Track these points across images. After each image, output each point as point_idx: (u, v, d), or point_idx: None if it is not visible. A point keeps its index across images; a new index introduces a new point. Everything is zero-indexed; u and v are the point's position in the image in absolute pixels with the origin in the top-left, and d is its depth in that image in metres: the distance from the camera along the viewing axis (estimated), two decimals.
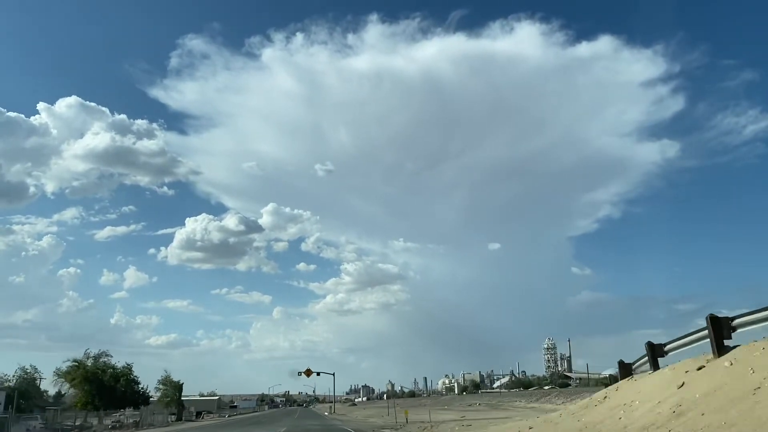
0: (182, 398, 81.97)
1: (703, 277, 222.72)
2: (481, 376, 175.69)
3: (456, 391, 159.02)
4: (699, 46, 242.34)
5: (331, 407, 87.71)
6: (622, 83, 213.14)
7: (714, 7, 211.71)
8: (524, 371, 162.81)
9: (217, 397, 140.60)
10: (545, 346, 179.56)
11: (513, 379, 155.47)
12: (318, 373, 79.42)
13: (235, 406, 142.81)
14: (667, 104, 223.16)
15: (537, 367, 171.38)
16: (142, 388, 67.32)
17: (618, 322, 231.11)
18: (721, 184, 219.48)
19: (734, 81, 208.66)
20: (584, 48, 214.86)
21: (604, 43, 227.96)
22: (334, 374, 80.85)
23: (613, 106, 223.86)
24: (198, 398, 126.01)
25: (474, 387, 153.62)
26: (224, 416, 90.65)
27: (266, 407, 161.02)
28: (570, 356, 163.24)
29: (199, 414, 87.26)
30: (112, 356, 66.82)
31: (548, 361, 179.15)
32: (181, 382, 69.63)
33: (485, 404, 75.19)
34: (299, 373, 76.19)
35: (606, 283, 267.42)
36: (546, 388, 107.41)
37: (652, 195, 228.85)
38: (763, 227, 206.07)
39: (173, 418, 67.45)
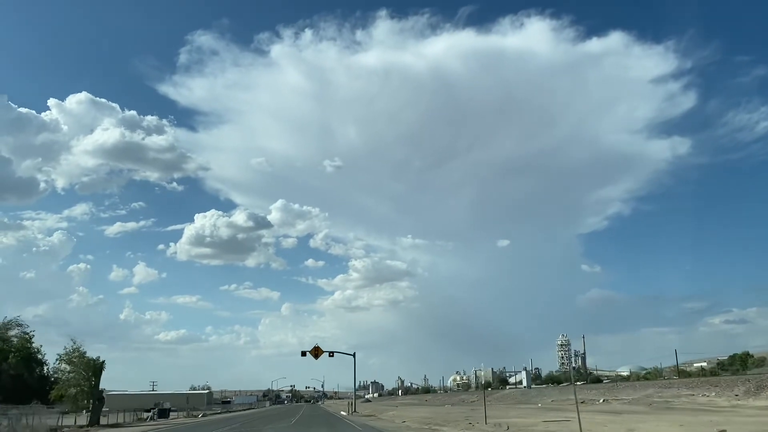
0: (158, 392, 57.68)
1: (713, 276, 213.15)
2: (494, 372, 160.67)
3: (474, 387, 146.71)
4: (711, 42, 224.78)
5: (349, 404, 62.31)
6: (632, 79, 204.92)
7: (727, 3, 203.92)
8: (537, 368, 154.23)
9: (206, 391, 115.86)
10: (559, 342, 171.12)
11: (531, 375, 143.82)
12: (331, 353, 56.16)
13: (228, 402, 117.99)
14: (678, 101, 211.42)
15: (549, 365, 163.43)
16: (50, 372, 41.90)
17: (627, 320, 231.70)
18: (733, 181, 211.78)
19: (747, 77, 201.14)
20: (595, 44, 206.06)
21: (615, 39, 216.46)
22: (354, 354, 57.44)
23: (624, 103, 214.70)
24: (180, 393, 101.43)
25: (500, 383, 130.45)
26: (197, 416, 65.67)
27: (267, 404, 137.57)
28: (584, 353, 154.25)
29: (163, 413, 61.65)
30: (29, 327, 41.86)
31: (562, 357, 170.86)
32: (100, 361, 41.73)
33: (560, 399, 56.35)
34: (304, 353, 53.03)
35: (616, 281, 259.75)
36: (579, 383, 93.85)
37: (663, 193, 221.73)
38: None
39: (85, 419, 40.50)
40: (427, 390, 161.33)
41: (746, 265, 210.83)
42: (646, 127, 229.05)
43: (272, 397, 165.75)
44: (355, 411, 55.31)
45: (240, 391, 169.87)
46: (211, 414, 77.26)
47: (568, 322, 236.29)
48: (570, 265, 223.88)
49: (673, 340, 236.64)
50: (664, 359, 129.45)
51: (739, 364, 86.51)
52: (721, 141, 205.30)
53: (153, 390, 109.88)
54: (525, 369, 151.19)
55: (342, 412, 60.19)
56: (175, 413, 68.84)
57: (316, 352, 54.92)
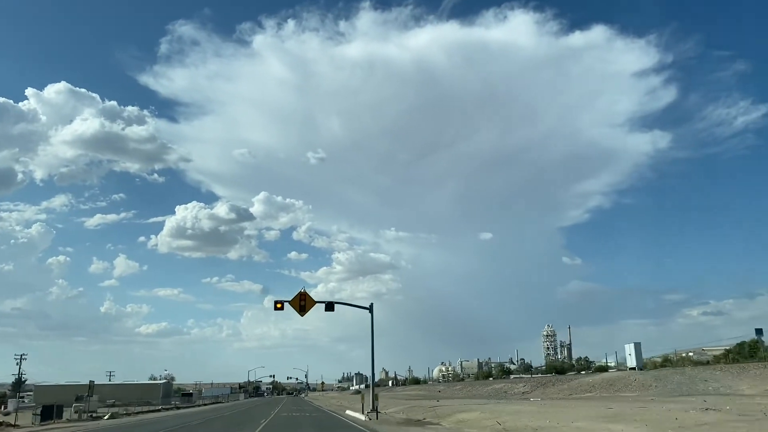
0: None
1: (692, 268, 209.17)
2: (480, 363, 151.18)
3: (476, 377, 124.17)
4: (692, 36, 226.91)
5: (363, 399, 37.25)
6: (614, 73, 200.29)
7: None
8: (523, 359, 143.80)
9: (162, 382, 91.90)
10: (545, 333, 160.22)
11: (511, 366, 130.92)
12: (331, 307, 33.24)
13: (190, 395, 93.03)
14: (659, 95, 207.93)
15: (534, 355, 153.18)
16: None
17: (607, 312, 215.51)
18: (711, 175, 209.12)
19: (726, 72, 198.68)
20: (577, 37, 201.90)
21: (598, 32, 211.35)
22: (371, 307, 34.23)
23: (606, 97, 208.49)
24: (128, 383, 77.02)
25: (502, 372, 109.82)
26: (103, 416, 41.39)
27: (241, 396, 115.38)
28: (570, 344, 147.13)
29: (48, 412, 37.47)
30: None
31: (548, 348, 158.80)
32: None
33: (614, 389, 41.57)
34: (279, 304, 29.74)
35: (596, 273, 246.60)
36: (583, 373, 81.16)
37: (643, 186, 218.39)
38: (751, 219, 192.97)
39: None
40: (417, 381, 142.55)
41: (724, 258, 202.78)
42: (627, 121, 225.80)
43: (249, 389, 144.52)
44: (375, 411, 32.22)
45: (216, 383, 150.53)
46: (147, 412, 52.95)
47: (550, 314, 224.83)
48: (551, 257, 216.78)
49: (653, 331, 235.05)
50: (645, 351, 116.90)
51: (748, 352, 67.67)
52: (701, 135, 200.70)
53: (110, 381, 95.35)
54: (510, 360, 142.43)
55: (351, 413, 37.13)
56: (77, 412, 43.73)
57: (302, 300, 31.65)
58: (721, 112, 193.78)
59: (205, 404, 77.70)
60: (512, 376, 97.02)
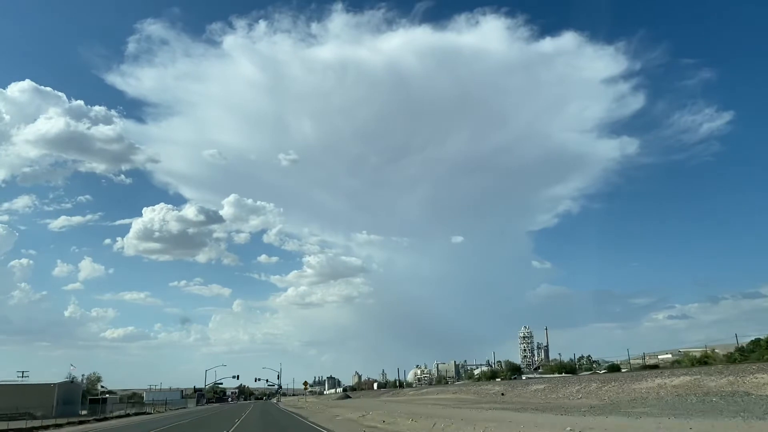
0: None
1: (659, 272, 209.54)
2: (456, 366, 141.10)
3: (436, 381, 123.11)
4: (660, 44, 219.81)
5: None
6: (584, 80, 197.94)
7: (675, 6, 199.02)
8: (500, 361, 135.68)
9: (62, 382, 65.19)
10: (521, 335, 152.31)
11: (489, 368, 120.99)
12: None
13: (102, 400, 65.81)
14: (627, 101, 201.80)
15: (509, 357, 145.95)
16: None
17: (575, 316, 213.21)
18: (677, 181, 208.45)
19: (692, 80, 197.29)
20: (548, 44, 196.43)
21: (568, 39, 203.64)
22: None
23: (575, 103, 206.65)
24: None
25: (490, 376, 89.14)
26: None
27: (192, 403, 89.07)
28: (547, 345, 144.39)
29: None
30: None
31: (524, 350, 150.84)
32: None
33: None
34: None
35: (565, 277, 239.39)
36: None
37: (611, 191, 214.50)
38: (715, 224, 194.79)
39: None
40: (400, 384, 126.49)
41: (689, 262, 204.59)
42: (596, 127, 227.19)
43: (205, 393, 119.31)
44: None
45: (173, 388, 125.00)
46: None
47: (520, 317, 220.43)
48: (521, 261, 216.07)
49: (619, 335, 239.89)
50: (611, 354, 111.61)
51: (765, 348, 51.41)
52: (668, 142, 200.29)
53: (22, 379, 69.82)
54: (487, 362, 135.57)
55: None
56: None
57: None
58: (687, 119, 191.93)
59: (122, 415, 52.27)
60: (525, 377, 76.98)
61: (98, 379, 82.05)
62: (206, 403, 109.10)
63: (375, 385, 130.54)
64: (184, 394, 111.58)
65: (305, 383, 75.58)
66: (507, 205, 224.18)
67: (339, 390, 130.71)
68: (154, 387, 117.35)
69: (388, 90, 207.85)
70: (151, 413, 64.30)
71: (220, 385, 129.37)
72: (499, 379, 77.24)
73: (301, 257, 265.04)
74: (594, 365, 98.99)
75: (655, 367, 70.95)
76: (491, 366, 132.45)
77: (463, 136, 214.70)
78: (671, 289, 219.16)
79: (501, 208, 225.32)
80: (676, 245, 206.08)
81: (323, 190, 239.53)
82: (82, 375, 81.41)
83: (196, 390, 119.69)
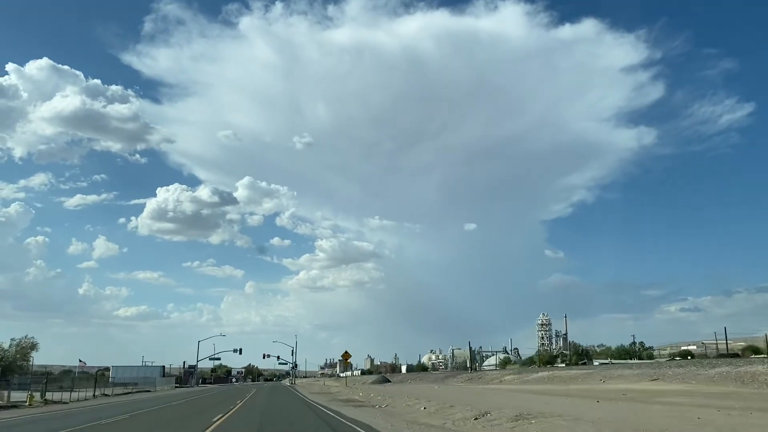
0: None
1: (672, 264, 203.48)
2: (472, 351, 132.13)
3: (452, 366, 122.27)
4: (681, 33, 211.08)
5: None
6: (603, 68, 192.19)
7: None
8: (516, 348, 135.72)
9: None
10: (540, 322, 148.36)
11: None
12: None
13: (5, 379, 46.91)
14: (646, 91, 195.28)
15: (524, 345, 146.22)
16: None
17: (587, 306, 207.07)
18: (694, 172, 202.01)
19: (713, 70, 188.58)
20: (567, 30, 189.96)
21: (588, 26, 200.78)
22: None
23: (593, 91, 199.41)
24: None
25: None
26: None
27: (168, 386, 76.10)
28: (566, 333, 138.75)
29: None
30: None
31: (542, 338, 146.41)
32: None
33: None
34: None
35: (577, 267, 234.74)
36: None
37: (627, 182, 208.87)
38: (731, 217, 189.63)
39: None
40: (424, 368, 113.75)
41: (703, 255, 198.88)
42: (614, 116, 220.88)
43: (191, 372, 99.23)
44: None
45: (174, 366, 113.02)
46: None
47: (531, 306, 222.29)
48: (534, 250, 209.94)
49: (631, 326, 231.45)
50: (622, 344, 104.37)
51: None
52: (686, 132, 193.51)
53: None
54: (504, 349, 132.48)
55: None
56: None
57: None
58: (707, 110, 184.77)
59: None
60: (596, 362, 67.96)
61: (32, 347, 60.66)
62: (198, 384, 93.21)
63: (404, 368, 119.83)
64: (166, 372, 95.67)
65: (345, 354, 51.99)
66: (521, 194, 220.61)
67: (356, 373, 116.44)
68: (148, 363, 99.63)
69: (404, 74, 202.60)
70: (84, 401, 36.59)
71: (217, 360, 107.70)
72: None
73: (313, 241, 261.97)
74: (647, 351, 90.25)
75: (735, 355, 62.48)
76: (508, 353, 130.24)
77: (479, 123, 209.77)
78: (684, 281, 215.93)
79: (515, 196, 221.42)
80: (691, 238, 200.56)
81: (337, 175, 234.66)
82: (11, 339, 61.32)
83: (189, 367, 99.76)
